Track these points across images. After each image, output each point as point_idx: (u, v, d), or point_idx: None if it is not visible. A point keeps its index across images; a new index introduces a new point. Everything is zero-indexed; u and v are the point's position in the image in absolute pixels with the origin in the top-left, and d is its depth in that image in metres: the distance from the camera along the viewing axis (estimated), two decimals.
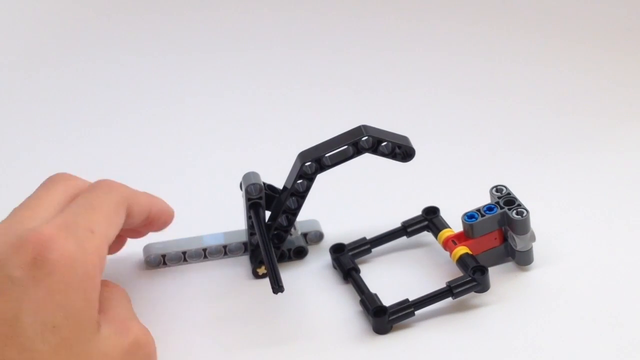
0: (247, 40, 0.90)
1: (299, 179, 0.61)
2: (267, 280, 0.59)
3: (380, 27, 0.90)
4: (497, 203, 0.61)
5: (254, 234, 0.62)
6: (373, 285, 0.61)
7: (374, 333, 0.59)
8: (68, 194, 0.56)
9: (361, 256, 0.64)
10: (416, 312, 0.58)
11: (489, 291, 0.60)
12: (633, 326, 0.58)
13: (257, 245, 0.61)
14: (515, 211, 0.60)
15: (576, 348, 0.57)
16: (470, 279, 0.59)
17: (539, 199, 0.65)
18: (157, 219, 0.60)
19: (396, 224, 0.64)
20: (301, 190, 0.61)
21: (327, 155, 0.60)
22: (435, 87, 0.81)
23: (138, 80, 0.85)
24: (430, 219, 0.64)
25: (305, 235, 0.65)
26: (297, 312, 0.61)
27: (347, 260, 0.63)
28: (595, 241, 0.64)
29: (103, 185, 0.57)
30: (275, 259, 0.59)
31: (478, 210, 0.61)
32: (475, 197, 0.63)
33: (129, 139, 0.78)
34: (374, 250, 0.64)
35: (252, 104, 0.82)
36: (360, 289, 0.61)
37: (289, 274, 0.63)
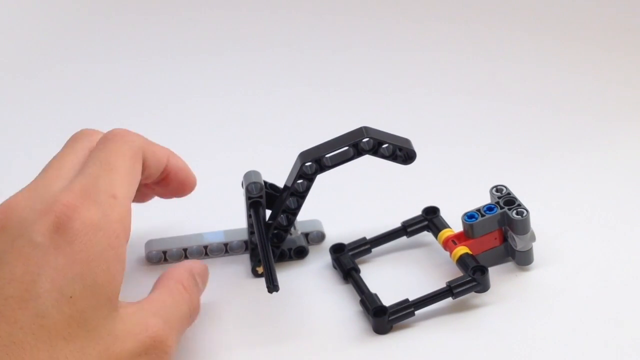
0: (249, 40, 0.90)
1: (299, 179, 0.61)
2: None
3: (381, 28, 0.90)
4: (497, 203, 0.61)
5: (254, 232, 0.62)
6: (373, 285, 0.61)
7: (374, 333, 0.59)
8: (87, 146, 0.56)
9: (361, 256, 0.64)
10: (416, 312, 0.58)
11: (489, 291, 0.60)
12: (633, 326, 0.58)
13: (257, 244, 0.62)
14: (515, 211, 0.60)
15: (576, 348, 0.57)
16: (470, 279, 0.59)
17: (539, 199, 0.65)
18: (174, 174, 0.60)
19: (396, 224, 0.64)
20: (301, 190, 0.61)
21: (327, 155, 0.60)
22: (435, 87, 0.81)
23: (140, 79, 0.85)
24: (430, 219, 0.64)
25: (306, 235, 0.65)
26: (297, 311, 0.61)
27: (347, 260, 0.63)
28: (595, 241, 0.64)
29: (117, 138, 0.56)
30: (272, 258, 0.59)
31: (478, 210, 0.61)
32: (475, 197, 0.63)
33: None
34: (374, 250, 0.64)
35: (255, 103, 0.82)
36: (360, 289, 0.61)
37: (289, 273, 0.63)
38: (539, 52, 0.84)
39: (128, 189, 0.54)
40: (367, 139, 0.60)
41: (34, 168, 0.74)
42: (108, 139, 0.56)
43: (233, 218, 0.65)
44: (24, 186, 0.54)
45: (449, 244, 0.62)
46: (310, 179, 0.61)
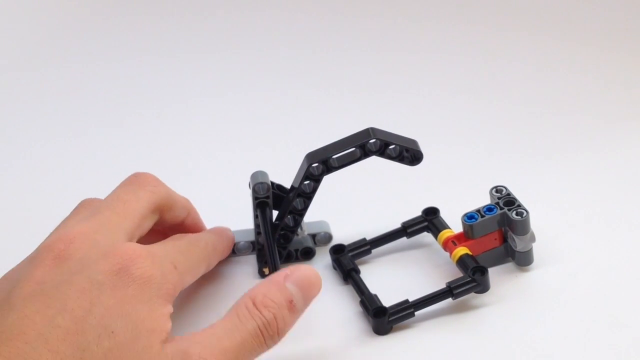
0: (254, 40, 0.89)
1: (306, 180, 0.61)
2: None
3: (382, 29, 0.90)
4: (497, 204, 0.61)
5: (261, 233, 0.62)
6: (373, 286, 0.61)
7: (374, 334, 0.59)
8: (153, 202, 0.58)
9: (361, 257, 0.64)
10: (416, 313, 0.59)
11: (488, 292, 0.60)
12: (633, 326, 0.58)
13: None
14: (515, 212, 0.60)
15: (576, 348, 0.57)
16: (470, 279, 0.59)
17: (539, 199, 0.65)
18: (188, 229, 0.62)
19: (396, 224, 0.64)
20: (307, 191, 0.61)
21: (334, 157, 0.61)
22: (436, 87, 0.81)
23: (146, 80, 0.85)
24: (430, 220, 0.64)
25: (313, 236, 0.65)
26: None
27: (347, 261, 0.63)
28: (595, 241, 0.64)
29: (197, 238, 0.60)
30: (278, 258, 0.59)
31: (478, 210, 0.61)
32: (475, 198, 0.63)
33: (138, 139, 0.78)
34: (374, 251, 0.64)
35: (262, 103, 0.82)
36: (360, 289, 0.61)
37: None
38: (539, 52, 0.84)
39: (187, 273, 0.57)
40: (373, 140, 0.60)
41: (35, 167, 0.75)
42: (189, 236, 0.60)
43: (240, 218, 0.65)
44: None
45: (449, 244, 0.62)
46: (317, 180, 0.61)
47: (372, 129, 0.60)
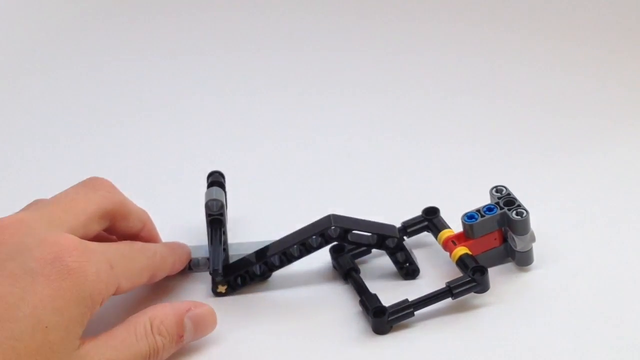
0: (245, 41, 0.89)
1: (318, 236, 0.60)
2: (267, 281, 0.60)
3: (381, 28, 0.90)
4: (497, 203, 0.61)
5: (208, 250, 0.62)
6: (373, 286, 0.61)
7: (374, 333, 0.59)
8: (102, 207, 0.58)
9: (361, 256, 0.64)
10: (416, 313, 0.58)
11: (488, 292, 0.60)
12: (633, 326, 0.58)
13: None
14: (515, 211, 0.60)
15: (576, 348, 0.57)
16: (470, 279, 0.59)
17: (539, 199, 0.65)
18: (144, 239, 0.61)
19: (396, 224, 0.64)
20: (313, 245, 0.61)
21: (354, 231, 0.60)
22: (436, 87, 0.81)
23: (141, 82, 0.85)
24: (430, 219, 0.64)
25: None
26: (297, 312, 0.61)
27: (347, 260, 0.63)
28: (595, 241, 0.64)
29: (145, 246, 0.59)
30: (221, 253, 0.60)
31: (478, 210, 0.61)
32: (475, 198, 0.63)
33: (124, 142, 0.78)
34: (373, 250, 0.64)
35: (255, 108, 0.81)
36: (360, 289, 0.61)
37: (289, 274, 0.63)
38: (539, 52, 0.84)
39: (123, 275, 0.56)
40: (391, 238, 0.61)
41: (34, 168, 0.75)
42: (135, 244, 0.59)
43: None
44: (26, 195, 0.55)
45: (449, 244, 0.62)
46: (326, 242, 0.61)
47: (392, 227, 0.62)
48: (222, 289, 0.62)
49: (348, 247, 0.63)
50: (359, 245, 0.61)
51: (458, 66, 0.84)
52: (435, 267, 0.63)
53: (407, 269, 0.62)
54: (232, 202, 0.67)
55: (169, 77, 0.85)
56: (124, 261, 0.56)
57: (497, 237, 0.62)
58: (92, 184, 0.59)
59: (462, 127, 0.77)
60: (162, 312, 0.56)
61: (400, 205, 0.66)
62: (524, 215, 0.60)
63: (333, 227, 0.60)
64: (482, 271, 0.59)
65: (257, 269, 0.61)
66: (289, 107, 0.81)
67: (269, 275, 0.62)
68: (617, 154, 0.72)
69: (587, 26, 0.86)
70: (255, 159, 0.72)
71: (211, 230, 0.61)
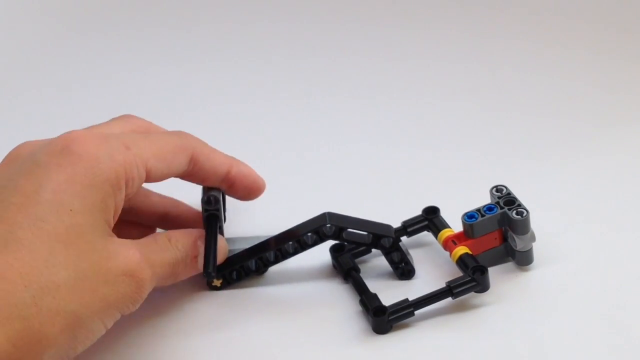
0: (245, 41, 0.89)
1: (313, 233, 0.60)
2: (267, 279, 0.60)
3: (381, 29, 0.89)
4: (497, 203, 0.61)
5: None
6: (373, 285, 0.61)
7: (374, 333, 0.59)
8: (128, 127, 0.58)
9: (361, 256, 0.64)
10: (416, 312, 0.59)
11: (488, 291, 0.60)
12: (633, 326, 0.58)
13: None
14: (515, 211, 0.60)
15: (576, 348, 0.57)
16: (470, 279, 0.59)
17: (539, 199, 0.65)
18: (239, 182, 0.61)
19: (396, 223, 0.64)
20: (308, 242, 0.61)
21: (348, 229, 0.60)
22: (436, 87, 0.81)
23: (141, 83, 0.85)
24: (430, 219, 0.64)
25: None
26: (296, 311, 0.61)
27: (347, 260, 0.63)
28: (595, 241, 0.64)
29: (175, 131, 0.59)
30: (213, 270, 0.59)
31: (478, 210, 0.61)
32: (475, 197, 0.63)
33: None
34: (373, 250, 0.64)
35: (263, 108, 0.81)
36: (360, 288, 0.61)
37: (289, 273, 0.63)
38: (539, 53, 0.84)
39: (148, 153, 0.55)
40: (386, 238, 0.61)
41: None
42: (165, 130, 0.59)
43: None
44: None
45: (449, 244, 0.62)
46: (321, 239, 0.61)
47: (390, 227, 0.62)
48: (217, 282, 0.62)
49: (348, 246, 0.63)
50: (353, 243, 0.61)
51: (458, 67, 0.84)
52: (435, 267, 0.63)
53: (403, 269, 0.62)
54: (230, 198, 0.67)
55: (169, 77, 0.85)
56: (144, 142, 0.56)
57: (497, 237, 0.62)
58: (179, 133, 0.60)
59: (463, 127, 0.77)
60: (178, 232, 0.58)
61: (400, 205, 0.66)
62: (524, 214, 0.60)
63: (328, 225, 0.60)
64: (482, 271, 0.59)
65: (252, 264, 0.62)
66: (289, 107, 0.81)
67: (264, 271, 0.62)
68: (618, 154, 0.72)
69: (586, 27, 0.86)
70: (257, 159, 0.72)
71: (208, 226, 0.61)
